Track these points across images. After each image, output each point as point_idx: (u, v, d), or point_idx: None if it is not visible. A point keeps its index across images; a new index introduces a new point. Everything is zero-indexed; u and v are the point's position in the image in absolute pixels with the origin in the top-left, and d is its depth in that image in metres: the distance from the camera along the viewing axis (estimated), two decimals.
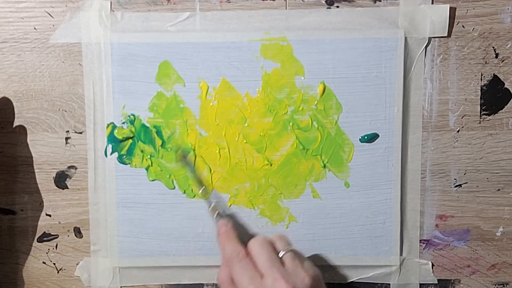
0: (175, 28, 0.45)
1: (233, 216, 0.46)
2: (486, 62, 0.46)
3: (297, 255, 0.40)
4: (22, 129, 0.46)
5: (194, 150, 0.46)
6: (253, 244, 0.39)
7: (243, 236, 0.42)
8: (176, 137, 0.46)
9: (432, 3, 0.45)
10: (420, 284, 0.48)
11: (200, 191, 0.45)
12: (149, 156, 0.46)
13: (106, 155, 0.46)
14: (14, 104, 0.46)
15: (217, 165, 0.46)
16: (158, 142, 0.46)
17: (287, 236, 0.42)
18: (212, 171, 0.46)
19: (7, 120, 0.46)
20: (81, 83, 0.46)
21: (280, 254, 0.39)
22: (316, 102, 0.46)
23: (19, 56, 0.46)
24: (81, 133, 0.47)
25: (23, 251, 0.48)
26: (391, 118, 0.46)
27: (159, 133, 0.46)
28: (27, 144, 0.47)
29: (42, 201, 0.47)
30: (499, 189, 0.47)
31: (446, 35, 0.45)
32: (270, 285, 0.37)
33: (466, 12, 0.46)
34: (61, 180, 0.47)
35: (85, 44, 0.46)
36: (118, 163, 0.46)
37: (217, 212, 0.44)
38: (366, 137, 0.46)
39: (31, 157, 0.47)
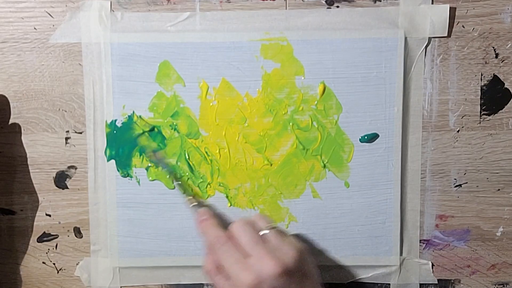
0: (175, 28, 0.45)
1: (210, 207, 0.46)
2: (486, 62, 0.46)
3: (279, 231, 0.40)
4: (20, 129, 0.46)
5: (163, 148, 0.46)
6: (234, 227, 0.39)
7: (223, 224, 0.41)
8: (175, 136, 0.46)
9: (432, 3, 0.45)
10: (420, 284, 0.48)
11: (175, 185, 0.45)
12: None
13: (106, 155, 0.46)
14: (14, 104, 0.46)
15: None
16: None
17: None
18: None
19: (6, 120, 0.46)
20: (81, 83, 0.46)
21: (262, 233, 0.39)
22: (316, 102, 0.46)
23: (19, 56, 0.46)
24: (81, 133, 0.47)
25: (22, 251, 0.48)
26: (391, 118, 0.46)
27: (159, 133, 0.46)
28: (24, 144, 0.47)
29: (42, 201, 0.47)
30: (499, 189, 0.47)
31: (446, 35, 0.45)
32: (256, 263, 0.37)
33: (466, 12, 0.46)
34: (61, 180, 0.47)
35: (85, 44, 0.46)
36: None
37: (194, 203, 0.43)
38: (366, 137, 0.46)
39: (30, 157, 0.47)
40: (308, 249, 0.40)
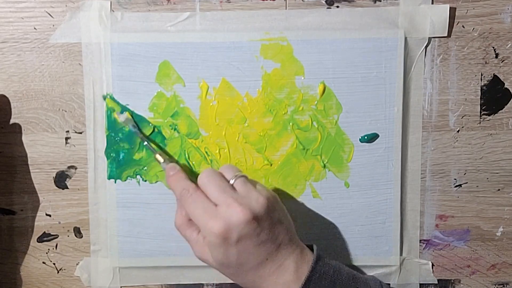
0: (175, 28, 0.45)
1: (179, 163, 0.46)
2: (486, 62, 0.46)
3: (247, 180, 0.39)
4: (20, 129, 0.46)
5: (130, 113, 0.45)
6: (201, 177, 0.39)
7: (194, 179, 0.41)
8: (175, 136, 0.46)
9: (432, 3, 0.45)
10: (420, 284, 0.48)
11: (145, 143, 0.44)
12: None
13: (106, 155, 0.46)
14: (14, 104, 0.46)
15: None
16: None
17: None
18: None
19: (6, 120, 0.46)
20: (81, 83, 0.46)
21: (231, 181, 0.39)
22: (316, 102, 0.46)
23: (19, 56, 0.46)
24: (81, 133, 0.47)
25: (22, 251, 0.48)
26: (391, 118, 0.46)
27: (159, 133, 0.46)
28: (24, 144, 0.47)
29: (42, 201, 0.47)
30: (499, 189, 0.47)
31: (446, 35, 0.45)
32: (224, 211, 0.36)
33: (466, 12, 0.46)
34: (61, 180, 0.47)
35: (85, 44, 0.46)
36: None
37: (164, 158, 0.43)
38: (366, 137, 0.46)
39: (31, 157, 0.47)
40: (277, 197, 0.40)
